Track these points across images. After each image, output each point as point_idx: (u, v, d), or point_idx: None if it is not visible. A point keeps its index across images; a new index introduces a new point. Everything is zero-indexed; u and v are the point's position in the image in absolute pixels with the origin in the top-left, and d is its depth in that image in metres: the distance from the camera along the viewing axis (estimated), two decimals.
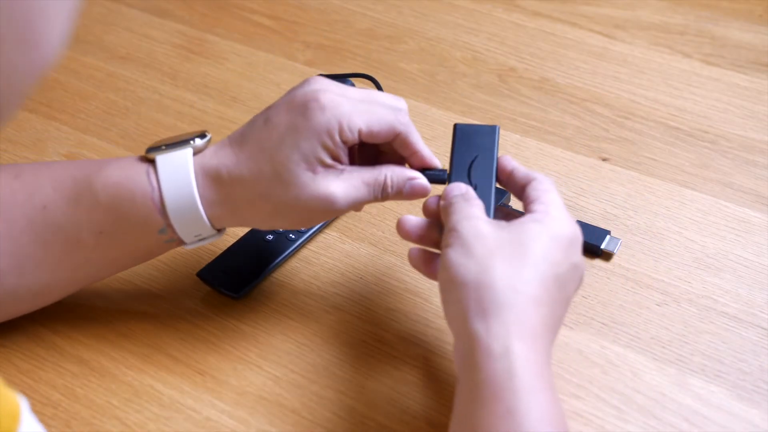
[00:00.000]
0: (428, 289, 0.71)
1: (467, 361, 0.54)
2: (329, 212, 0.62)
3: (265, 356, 0.67)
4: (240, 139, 0.62)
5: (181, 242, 0.63)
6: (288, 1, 1.05)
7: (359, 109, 0.60)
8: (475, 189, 0.62)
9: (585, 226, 0.74)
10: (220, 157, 0.61)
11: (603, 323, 0.68)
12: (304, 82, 0.62)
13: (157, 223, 0.61)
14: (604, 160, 0.83)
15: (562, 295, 0.57)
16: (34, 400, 0.64)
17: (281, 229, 0.73)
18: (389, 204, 0.79)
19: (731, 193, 0.80)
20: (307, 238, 0.74)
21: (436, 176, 0.65)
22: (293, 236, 0.74)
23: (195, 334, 0.68)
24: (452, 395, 0.63)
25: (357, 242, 0.76)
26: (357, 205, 0.63)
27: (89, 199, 0.61)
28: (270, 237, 0.73)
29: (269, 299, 0.71)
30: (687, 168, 0.82)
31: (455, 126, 0.66)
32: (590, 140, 0.86)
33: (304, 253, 0.75)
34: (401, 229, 0.63)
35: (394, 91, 0.91)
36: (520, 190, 0.62)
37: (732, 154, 0.84)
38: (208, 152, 0.62)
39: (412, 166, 0.65)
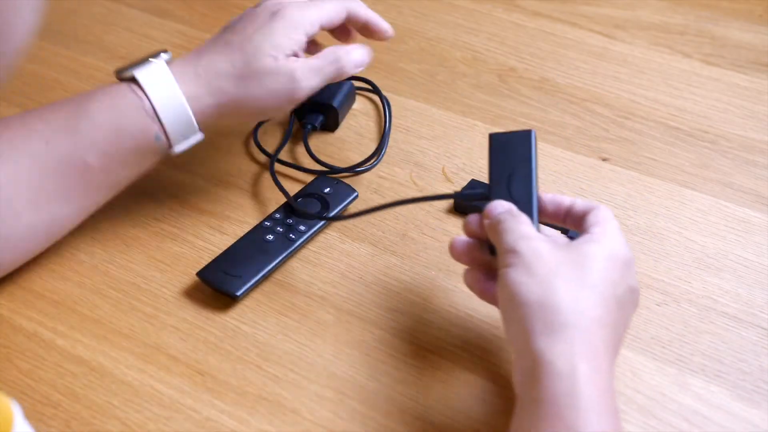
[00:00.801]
0: (428, 289, 0.71)
1: (530, 378, 0.54)
2: (293, 88, 0.71)
3: (265, 356, 0.67)
4: (205, 46, 0.72)
5: (169, 147, 0.71)
6: None
7: (314, 7, 0.73)
8: (517, 204, 0.62)
9: None
10: (191, 60, 0.71)
11: None
12: (256, 5, 0.74)
13: (151, 129, 0.69)
14: (604, 160, 0.83)
15: (622, 316, 0.58)
16: (34, 400, 0.64)
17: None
18: None
19: (731, 193, 0.80)
20: (308, 238, 0.74)
21: (476, 195, 0.65)
22: (293, 236, 0.74)
23: (195, 334, 0.68)
24: (452, 395, 0.64)
25: (357, 242, 0.76)
26: (316, 78, 0.72)
27: (88, 124, 0.68)
28: (270, 237, 0.73)
29: (269, 299, 0.71)
30: (687, 168, 0.82)
31: (491, 136, 0.66)
32: (590, 140, 0.86)
33: (304, 253, 0.75)
34: (453, 251, 0.64)
35: (394, 91, 0.91)
36: (580, 221, 0.62)
37: (732, 154, 0.84)
38: (177, 61, 0.71)
39: (368, 35, 0.77)
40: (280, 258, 0.72)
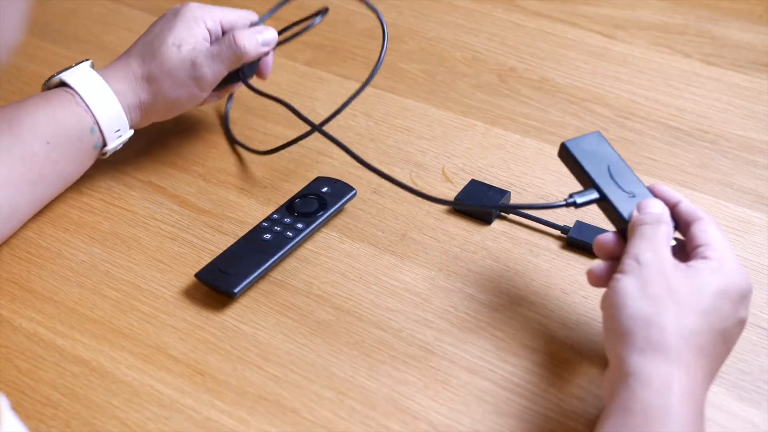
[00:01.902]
0: (428, 289, 0.71)
1: (623, 388, 0.55)
2: (197, 76, 0.77)
3: (265, 356, 0.67)
4: (128, 50, 0.79)
5: (104, 143, 0.76)
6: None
7: (218, 8, 0.80)
8: (633, 197, 0.63)
9: (586, 227, 0.74)
10: (115, 64, 0.78)
11: None
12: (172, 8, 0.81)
13: (86, 120, 0.74)
14: None
15: (725, 349, 0.58)
16: (34, 400, 0.64)
17: (178, 112, 0.81)
18: (389, 204, 0.79)
19: (731, 193, 0.80)
20: (305, 235, 0.74)
21: (586, 198, 0.64)
22: (290, 234, 0.74)
23: (195, 334, 0.68)
24: (452, 395, 0.64)
25: (357, 242, 0.76)
26: (217, 63, 0.77)
27: (28, 120, 0.73)
28: (267, 236, 0.73)
29: (269, 299, 0.71)
30: (687, 168, 0.82)
31: (564, 145, 0.66)
32: None
33: (304, 253, 0.75)
34: (591, 278, 0.63)
35: (394, 91, 0.91)
36: (685, 225, 0.62)
37: (732, 154, 0.84)
38: (104, 67, 0.78)
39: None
40: (278, 255, 0.72)
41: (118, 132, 0.77)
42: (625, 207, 0.63)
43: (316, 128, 0.77)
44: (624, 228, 0.63)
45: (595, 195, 0.64)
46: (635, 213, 0.62)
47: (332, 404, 0.63)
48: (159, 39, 0.77)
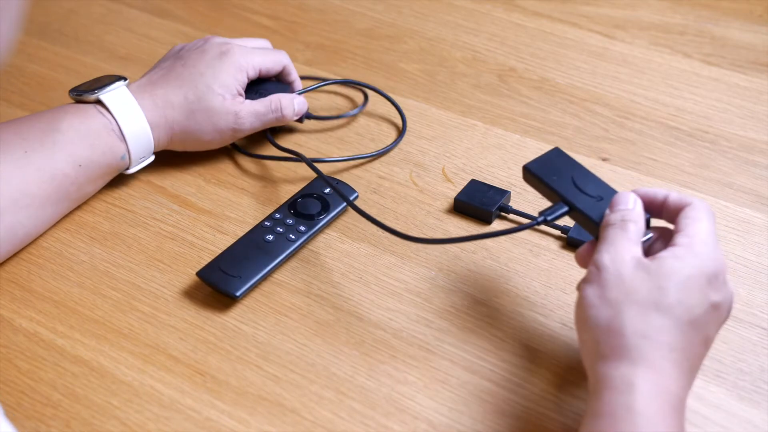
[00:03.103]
0: (428, 289, 0.71)
1: (593, 394, 0.55)
2: (236, 128, 0.80)
3: (265, 356, 0.67)
4: (158, 76, 0.80)
5: (127, 167, 0.78)
6: (288, 1, 1.05)
7: (257, 53, 0.82)
8: (601, 200, 0.63)
9: None
10: (147, 89, 0.78)
11: None
12: (204, 39, 0.83)
13: (119, 149, 0.76)
14: (604, 160, 0.83)
15: (699, 337, 0.57)
16: (34, 400, 0.64)
17: (199, 149, 0.82)
18: (389, 204, 0.79)
19: (731, 193, 0.80)
20: (308, 238, 0.74)
21: (560, 214, 0.64)
22: (293, 236, 0.74)
23: (195, 334, 0.68)
24: (452, 395, 0.64)
25: (357, 242, 0.76)
26: (257, 121, 0.80)
27: (62, 138, 0.73)
28: (270, 237, 0.73)
29: (269, 299, 0.71)
30: (687, 168, 0.82)
31: (525, 167, 0.66)
32: (590, 140, 0.86)
33: (304, 253, 0.75)
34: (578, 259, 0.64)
35: (394, 91, 0.91)
36: (675, 215, 0.61)
37: (732, 154, 0.84)
38: (134, 88, 0.78)
39: (294, 90, 0.85)
40: (280, 258, 0.72)
41: (143, 158, 0.79)
42: (594, 212, 0.63)
43: (322, 176, 0.77)
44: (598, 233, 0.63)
45: (564, 208, 0.64)
46: (607, 212, 0.61)
47: (332, 404, 0.63)
48: (203, 81, 0.79)
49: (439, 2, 1.05)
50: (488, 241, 0.75)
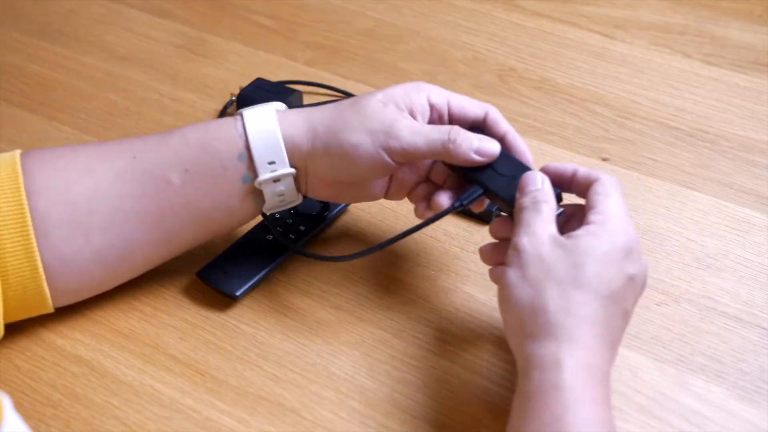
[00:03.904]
0: (428, 289, 0.71)
1: (522, 375, 0.56)
2: (388, 135, 0.63)
3: (265, 356, 0.67)
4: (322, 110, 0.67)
5: (254, 176, 0.65)
6: (288, 1, 1.05)
7: (451, 92, 0.68)
8: (514, 178, 0.63)
9: None
10: (300, 112, 0.66)
11: None
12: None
13: (236, 146, 0.64)
14: (604, 160, 0.83)
15: (619, 310, 0.58)
16: (34, 400, 0.64)
17: (350, 171, 0.65)
18: (390, 204, 0.79)
19: (731, 193, 0.80)
20: (308, 238, 0.74)
21: (476, 197, 0.65)
22: (292, 236, 0.74)
23: (195, 334, 0.68)
24: (451, 395, 0.64)
25: (357, 242, 0.75)
26: (419, 139, 0.63)
27: (178, 141, 0.65)
28: (270, 237, 0.73)
29: (269, 299, 0.71)
30: (687, 168, 0.82)
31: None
32: (590, 140, 0.86)
33: None
34: (482, 255, 0.66)
35: None
36: (584, 190, 0.62)
37: (732, 154, 0.84)
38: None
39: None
40: (280, 258, 0.72)
41: (272, 165, 0.64)
42: (507, 191, 0.63)
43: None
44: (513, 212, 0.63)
45: (479, 191, 0.65)
46: (518, 195, 0.62)
47: (332, 404, 0.63)
48: (365, 95, 0.66)
49: (439, 2, 1.05)
50: (489, 241, 0.75)
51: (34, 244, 0.62)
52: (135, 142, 0.66)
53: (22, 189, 0.62)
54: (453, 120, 0.67)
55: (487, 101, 0.90)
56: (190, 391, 0.64)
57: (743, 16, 1.01)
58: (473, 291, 0.71)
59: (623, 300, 0.58)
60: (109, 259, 0.65)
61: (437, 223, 0.77)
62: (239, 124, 0.65)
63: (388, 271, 0.73)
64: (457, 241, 0.75)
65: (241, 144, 0.64)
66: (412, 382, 0.65)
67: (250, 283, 0.70)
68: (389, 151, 0.63)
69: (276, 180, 0.65)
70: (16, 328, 0.68)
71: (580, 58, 0.96)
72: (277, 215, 0.75)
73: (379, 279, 0.72)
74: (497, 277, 0.62)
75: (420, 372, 0.65)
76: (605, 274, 0.57)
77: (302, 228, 0.74)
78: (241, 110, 0.66)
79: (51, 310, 0.66)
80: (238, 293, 0.69)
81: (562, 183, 0.63)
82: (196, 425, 0.62)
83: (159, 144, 0.65)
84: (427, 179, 0.69)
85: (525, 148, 0.67)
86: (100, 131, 0.88)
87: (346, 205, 0.77)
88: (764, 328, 0.68)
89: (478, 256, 0.73)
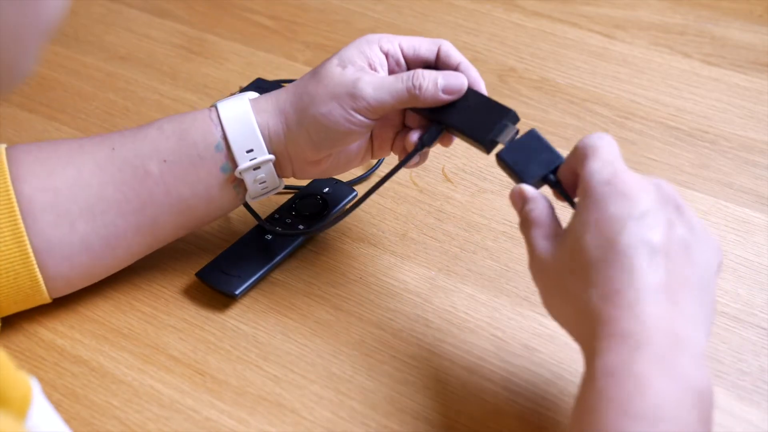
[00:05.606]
0: (428, 289, 0.71)
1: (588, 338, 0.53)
2: (354, 95, 0.64)
3: (265, 356, 0.67)
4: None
5: (234, 165, 0.66)
6: (288, 1, 1.05)
7: (401, 36, 0.68)
8: (475, 111, 0.64)
9: None
10: (269, 97, 0.68)
11: None
12: None
13: (213, 136, 0.66)
14: None
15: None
16: None
17: (327, 142, 0.66)
18: (389, 204, 0.79)
19: (731, 193, 0.80)
20: (307, 238, 0.74)
21: (432, 136, 0.66)
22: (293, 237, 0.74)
23: (195, 334, 0.68)
24: (452, 395, 0.64)
25: (357, 242, 0.76)
26: (383, 92, 0.64)
27: (155, 133, 0.66)
28: (269, 236, 0.73)
29: (269, 299, 0.71)
30: (687, 168, 0.82)
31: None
32: None
33: (304, 253, 0.75)
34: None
35: None
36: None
37: (732, 154, 0.84)
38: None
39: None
40: (279, 257, 0.72)
41: (251, 153, 0.66)
42: (470, 124, 0.64)
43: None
44: (485, 141, 0.64)
45: (440, 127, 0.65)
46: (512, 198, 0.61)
47: (332, 404, 0.63)
48: (322, 63, 0.67)
49: (439, 2, 1.05)
50: (488, 241, 0.75)
51: (22, 228, 0.63)
52: (114, 136, 0.68)
53: (8, 175, 0.64)
54: (409, 62, 0.67)
55: None
56: (190, 391, 0.64)
57: (743, 16, 1.01)
58: (473, 291, 0.71)
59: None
60: (95, 246, 0.66)
61: (437, 224, 0.77)
62: (214, 115, 0.66)
63: (388, 272, 0.73)
64: (457, 241, 0.75)
65: (217, 135, 0.66)
66: (412, 382, 0.65)
67: (249, 282, 0.70)
68: (359, 111, 0.64)
69: (256, 168, 0.66)
70: (16, 329, 0.68)
71: (580, 58, 0.96)
72: (277, 215, 0.75)
73: (379, 279, 0.72)
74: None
75: (420, 372, 0.65)
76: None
77: (301, 227, 0.74)
78: (215, 102, 0.67)
79: (47, 298, 0.66)
80: (237, 292, 0.69)
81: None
82: (196, 425, 0.62)
83: (137, 136, 0.67)
84: (404, 126, 0.70)
85: (478, 75, 0.67)
86: (100, 131, 0.88)
87: (346, 203, 0.77)
88: (764, 329, 0.68)
89: (478, 256, 0.74)
